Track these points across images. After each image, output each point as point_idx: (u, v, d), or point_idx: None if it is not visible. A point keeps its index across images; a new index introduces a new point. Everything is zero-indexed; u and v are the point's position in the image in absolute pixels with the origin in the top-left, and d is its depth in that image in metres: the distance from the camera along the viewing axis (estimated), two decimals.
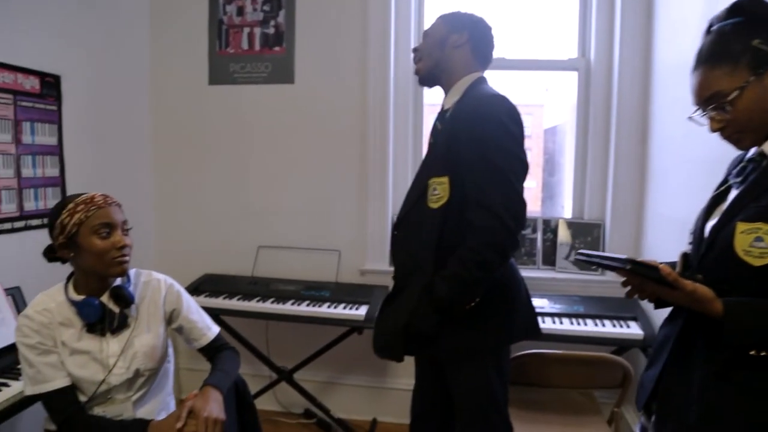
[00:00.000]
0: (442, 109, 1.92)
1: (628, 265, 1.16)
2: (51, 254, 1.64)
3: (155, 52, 3.27)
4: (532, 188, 3.43)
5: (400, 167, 3.10)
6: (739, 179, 1.22)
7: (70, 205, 1.54)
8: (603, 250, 2.94)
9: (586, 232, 3.00)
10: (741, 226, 1.12)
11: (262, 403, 3.06)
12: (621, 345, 2.50)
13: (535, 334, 1.90)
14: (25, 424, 2.21)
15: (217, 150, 3.27)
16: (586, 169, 3.01)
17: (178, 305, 1.73)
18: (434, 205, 1.77)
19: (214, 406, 1.50)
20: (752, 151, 1.22)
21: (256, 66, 3.16)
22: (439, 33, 1.85)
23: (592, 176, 2.99)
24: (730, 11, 1.19)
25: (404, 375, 3.10)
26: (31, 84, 2.43)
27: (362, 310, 2.63)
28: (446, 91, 1.90)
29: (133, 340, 1.63)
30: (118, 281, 1.64)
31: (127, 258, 1.58)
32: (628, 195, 2.85)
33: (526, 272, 2.96)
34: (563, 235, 3.03)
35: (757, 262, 1.09)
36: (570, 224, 3.03)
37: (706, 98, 1.19)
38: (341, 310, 2.63)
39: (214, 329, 1.79)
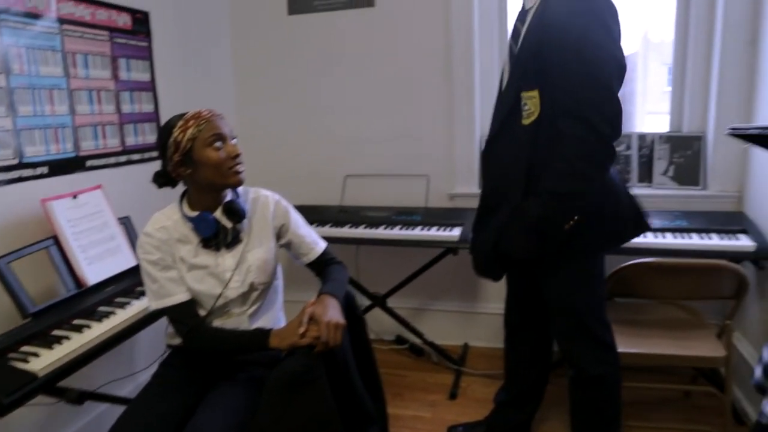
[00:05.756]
0: (523, 8, 1.81)
1: None
2: (161, 179, 1.66)
3: None
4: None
5: (486, 88, 2.99)
6: None
7: (180, 123, 1.57)
8: (704, 165, 2.78)
9: (686, 146, 2.83)
10: None
11: None
12: (731, 258, 2.35)
13: (644, 228, 1.88)
14: (146, 340, 2.33)
15: (299, 80, 3.26)
16: (685, 76, 2.80)
17: (287, 220, 1.76)
18: (526, 122, 1.71)
19: (334, 312, 1.52)
20: None
21: None
22: None
23: (692, 84, 2.78)
24: None
25: (495, 299, 3.09)
26: (124, 20, 2.48)
27: (456, 231, 2.61)
28: None
29: (246, 254, 1.67)
30: (230, 196, 1.67)
31: (242, 167, 1.60)
32: (733, 102, 2.62)
33: None
34: (660, 150, 2.88)
35: None
36: (668, 138, 2.87)
37: None
38: (435, 232, 2.62)
39: (322, 244, 1.81)
